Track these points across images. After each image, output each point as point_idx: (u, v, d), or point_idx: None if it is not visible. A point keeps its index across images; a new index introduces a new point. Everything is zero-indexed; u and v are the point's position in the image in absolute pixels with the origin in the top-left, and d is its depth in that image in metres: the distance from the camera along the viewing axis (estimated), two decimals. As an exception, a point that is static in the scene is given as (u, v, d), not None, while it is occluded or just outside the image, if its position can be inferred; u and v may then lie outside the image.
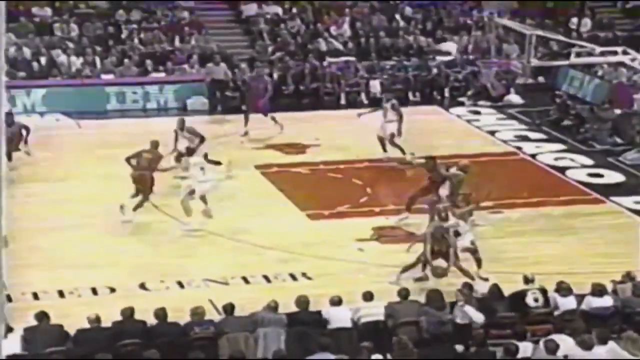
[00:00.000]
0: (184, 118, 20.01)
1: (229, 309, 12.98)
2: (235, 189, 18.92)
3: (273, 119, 23.06)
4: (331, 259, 16.41)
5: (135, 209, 17.66)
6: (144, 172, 17.80)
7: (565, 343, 11.87)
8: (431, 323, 12.90)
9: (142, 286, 15.33)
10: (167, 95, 26.05)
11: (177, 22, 29.03)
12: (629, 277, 14.21)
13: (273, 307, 12.96)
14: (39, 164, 20.36)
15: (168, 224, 17.82)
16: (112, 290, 15.19)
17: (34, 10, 28.62)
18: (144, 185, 17.72)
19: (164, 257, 16.29)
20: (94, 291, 15.15)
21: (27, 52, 26.91)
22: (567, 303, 13.49)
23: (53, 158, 20.91)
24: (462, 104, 26.90)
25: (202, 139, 19.06)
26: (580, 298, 13.63)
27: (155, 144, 18.26)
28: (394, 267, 15.73)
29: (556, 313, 13.44)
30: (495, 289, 13.74)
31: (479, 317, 12.93)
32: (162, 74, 26.84)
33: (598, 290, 13.61)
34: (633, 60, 23.25)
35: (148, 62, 27.07)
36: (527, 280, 13.84)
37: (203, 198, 17.54)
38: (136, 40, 28.04)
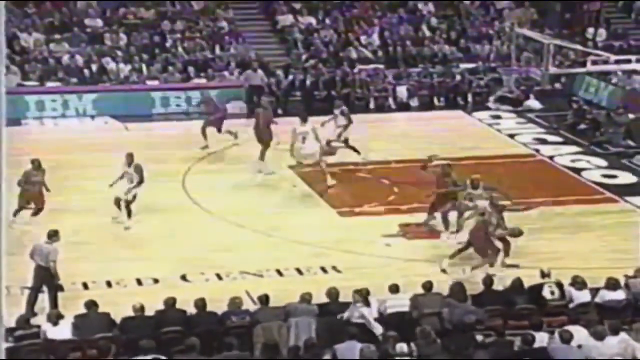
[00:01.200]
0: (133, 153, 17.65)
1: (264, 299, 12.98)
2: (270, 187, 18.88)
3: (229, 132, 22.04)
4: (360, 253, 16.36)
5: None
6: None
7: (580, 333, 11.78)
8: (453, 314, 12.82)
9: (184, 278, 15.37)
10: (209, 100, 26.12)
11: (217, 32, 29.13)
12: (640, 272, 14.06)
13: (307, 298, 12.94)
14: (89, 163, 20.51)
15: (208, 220, 17.86)
16: (156, 281, 15.24)
17: (86, 21, 28.85)
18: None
19: (204, 251, 16.30)
20: (139, 282, 15.21)
21: (79, 59, 27.14)
22: (582, 296, 13.37)
23: (102, 158, 21.00)
24: (485, 108, 26.73)
25: (141, 182, 17.41)
26: (595, 291, 13.50)
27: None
28: (418, 261, 15.73)
29: (571, 305, 13.33)
30: (518, 283, 13.66)
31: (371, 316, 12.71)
32: (204, 80, 26.93)
33: (612, 284, 13.47)
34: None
35: (190, 69, 27.21)
36: (543, 274, 13.76)
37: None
38: (180, 49, 28.17)
